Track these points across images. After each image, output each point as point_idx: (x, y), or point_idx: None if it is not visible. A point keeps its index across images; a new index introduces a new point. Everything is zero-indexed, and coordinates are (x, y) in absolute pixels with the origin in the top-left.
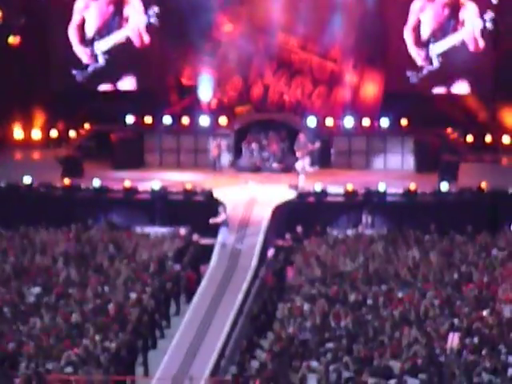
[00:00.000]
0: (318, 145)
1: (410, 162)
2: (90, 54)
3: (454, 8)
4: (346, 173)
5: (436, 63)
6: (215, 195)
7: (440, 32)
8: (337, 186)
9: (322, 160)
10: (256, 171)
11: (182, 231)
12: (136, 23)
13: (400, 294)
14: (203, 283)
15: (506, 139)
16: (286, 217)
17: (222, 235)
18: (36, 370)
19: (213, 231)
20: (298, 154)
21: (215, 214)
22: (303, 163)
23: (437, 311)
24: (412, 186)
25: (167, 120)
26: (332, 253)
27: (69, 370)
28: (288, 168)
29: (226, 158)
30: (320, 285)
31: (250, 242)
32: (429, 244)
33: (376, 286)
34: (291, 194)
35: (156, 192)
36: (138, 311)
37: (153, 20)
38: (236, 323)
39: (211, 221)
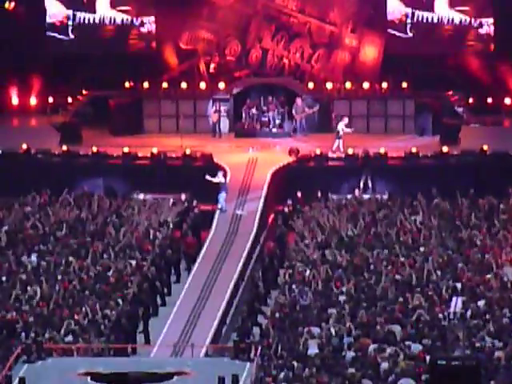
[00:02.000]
0: (316, 108)
1: (410, 125)
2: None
3: None
4: (347, 137)
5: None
6: (215, 160)
7: None
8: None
9: (322, 124)
10: (256, 136)
11: (182, 197)
12: None
13: (402, 259)
14: (204, 249)
15: (507, 101)
16: (286, 182)
17: (222, 201)
18: (35, 339)
19: (213, 197)
20: (296, 118)
21: (214, 175)
22: (342, 125)
23: (439, 275)
24: (413, 149)
25: (165, 85)
26: (333, 218)
27: (69, 338)
28: (288, 133)
29: (225, 123)
30: (322, 250)
31: (250, 208)
32: (431, 207)
33: (378, 251)
34: (290, 159)
35: (155, 158)
36: (138, 279)
37: None
38: (237, 289)
39: (207, 177)
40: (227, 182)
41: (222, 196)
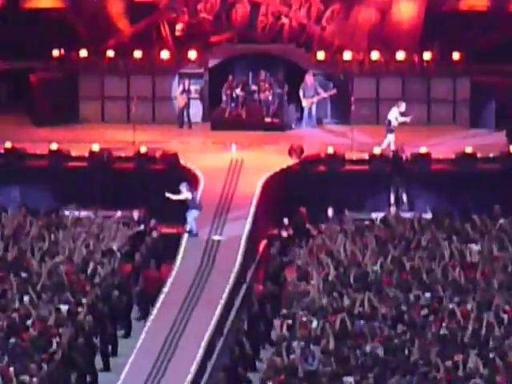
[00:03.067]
0: (333, 91)
1: (464, 113)
2: None
3: None
4: (373, 130)
5: None
6: (182, 163)
7: None
8: (359, 149)
9: (338, 111)
10: (241, 128)
11: (135, 215)
12: None
13: (451, 305)
14: (165, 290)
15: None
16: (284, 194)
17: (193, 221)
18: None
19: (180, 215)
20: (304, 104)
21: (177, 191)
22: (396, 113)
23: (504, 330)
24: (468, 149)
25: (111, 54)
26: (352, 246)
27: None
28: (287, 124)
29: (197, 110)
30: (335, 292)
31: (232, 231)
32: (493, 232)
33: (416, 294)
34: (291, 162)
35: (96, 158)
36: (70, 331)
37: None
38: (212, 349)
39: (168, 195)
40: (198, 195)
41: (192, 214)
